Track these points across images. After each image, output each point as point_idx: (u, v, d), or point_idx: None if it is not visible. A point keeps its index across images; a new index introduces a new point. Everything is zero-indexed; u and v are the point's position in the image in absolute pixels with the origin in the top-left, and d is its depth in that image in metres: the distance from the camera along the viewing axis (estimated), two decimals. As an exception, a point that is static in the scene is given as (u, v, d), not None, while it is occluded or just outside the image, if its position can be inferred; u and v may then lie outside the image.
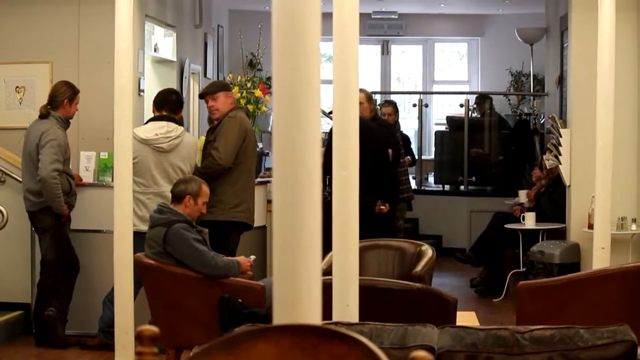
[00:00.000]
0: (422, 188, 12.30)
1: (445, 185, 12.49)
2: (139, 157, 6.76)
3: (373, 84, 15.14)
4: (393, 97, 15.59)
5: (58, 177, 6.93)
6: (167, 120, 7.01)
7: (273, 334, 1.88)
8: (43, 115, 7.10)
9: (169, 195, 6.41)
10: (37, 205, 7.06)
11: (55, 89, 7.18)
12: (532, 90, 13.59)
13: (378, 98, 13.12)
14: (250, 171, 7.18)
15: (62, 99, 7.12)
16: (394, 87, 15.91)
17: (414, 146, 12.32)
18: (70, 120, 7.21)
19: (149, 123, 7.08)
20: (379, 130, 8.68)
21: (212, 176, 6.78)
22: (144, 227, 6.25)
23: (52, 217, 7.05)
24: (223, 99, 7.10)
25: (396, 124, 9.77)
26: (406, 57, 16.10)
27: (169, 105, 7.11)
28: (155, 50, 9.67)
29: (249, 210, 7.07)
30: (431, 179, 12.99)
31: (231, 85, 7.76)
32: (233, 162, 6.94)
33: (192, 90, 10.76)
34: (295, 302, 2.13)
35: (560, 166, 8.43)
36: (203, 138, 7.53)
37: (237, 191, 6.96)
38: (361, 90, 8.80)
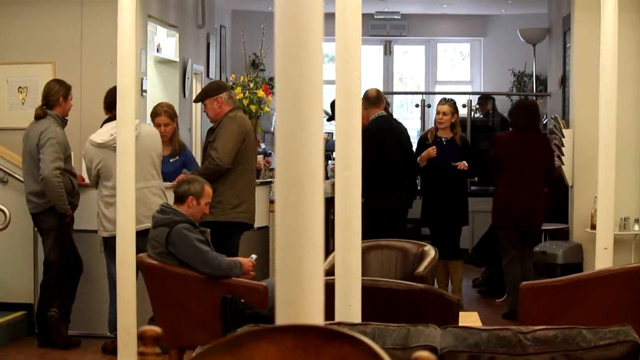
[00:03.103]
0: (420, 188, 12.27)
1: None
2: (101, 162, 6.71)
3: (376, 85, 15.09)
4: (395, 98, 15.63)
5: (60, 176, 6.93)
6: None
7: (275, 334, 1.88)
8: (39, 116, 7.09)
9: (139, 193, 6.39)
10: (41, 207, 7.06)
11: (48, 89, 7.16)
12: (534, 91, 13.57)
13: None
14: (251, 171, 7.15)
15: (57, 97, 7.11)
16: (396, 88, 15.90)
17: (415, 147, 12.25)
18: (67, 118, 7.19)
19: (104, 126, 6.96)
20: (398, 125, 8.70)
21: (211, 177, 6.74)
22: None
23: (56, 218, 7.05)
24: (209, 105, 7.07)
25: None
26: (409, 57, 16.09)
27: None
28: (157, 51, 9.68)
29: (249, 210, 7.04)
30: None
31: (229, 85, 7.72)
32: (232, 162, 6.91)
33: (195, 91, 10.77)
34: (298, 302, 2.13)
35: (562, 167, 8.43)
36: None
37: (237, 192, 6.93)
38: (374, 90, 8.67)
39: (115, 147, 6.62)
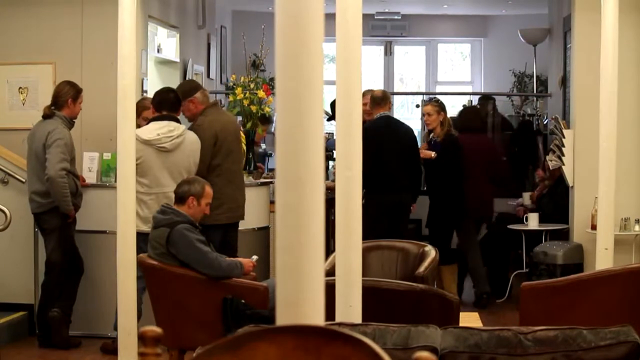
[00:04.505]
0: (425, 189, 12.26)
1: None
2: (142, 158, 6.73)
3: (376, 85, 15.10)
4: (395, 98, 15.61)
5: (66, 177, 6.94)
6: (168, 119, 6.96)
7: (276, 334, 1.88)
8: (47, 116, 7.11)
9: (173, 195, 6.39)
10: (44, 207, 7.06)
11: (58, 89, 7.20)
12: (535, 91, 13.57)
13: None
14: (229, 170, 7.09)
15: (66, 99, 7.13)
16: (397, 88, 15.89)
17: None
18: (75, 120, 7.22)
19: (151, 124, 7.02)
20: (401, 126, 8.67)
21: None
22: (145, 228, 6.24)
23: (59, 218, 7.06)
24: (185, 106, 7.12)
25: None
26: (409, 57, 16.09)
27: (167, 104, 7.04)
28: (158, 51, 9.68)
29: (230, 210, 7.01)
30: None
31: (230, 84, 7.72)
32: (207, 169, 6.93)
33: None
34: (299, 302, 2.13)
35: (563, 167, 8.43)
36: None
37: (216, 194, 6.85)
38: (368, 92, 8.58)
39: (158, 146, 6.78)
